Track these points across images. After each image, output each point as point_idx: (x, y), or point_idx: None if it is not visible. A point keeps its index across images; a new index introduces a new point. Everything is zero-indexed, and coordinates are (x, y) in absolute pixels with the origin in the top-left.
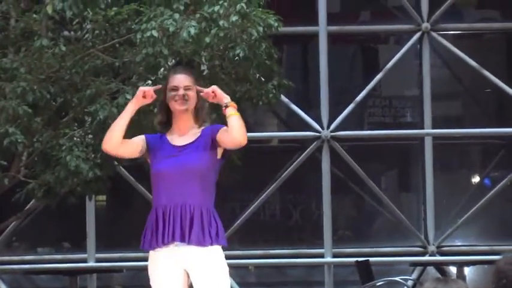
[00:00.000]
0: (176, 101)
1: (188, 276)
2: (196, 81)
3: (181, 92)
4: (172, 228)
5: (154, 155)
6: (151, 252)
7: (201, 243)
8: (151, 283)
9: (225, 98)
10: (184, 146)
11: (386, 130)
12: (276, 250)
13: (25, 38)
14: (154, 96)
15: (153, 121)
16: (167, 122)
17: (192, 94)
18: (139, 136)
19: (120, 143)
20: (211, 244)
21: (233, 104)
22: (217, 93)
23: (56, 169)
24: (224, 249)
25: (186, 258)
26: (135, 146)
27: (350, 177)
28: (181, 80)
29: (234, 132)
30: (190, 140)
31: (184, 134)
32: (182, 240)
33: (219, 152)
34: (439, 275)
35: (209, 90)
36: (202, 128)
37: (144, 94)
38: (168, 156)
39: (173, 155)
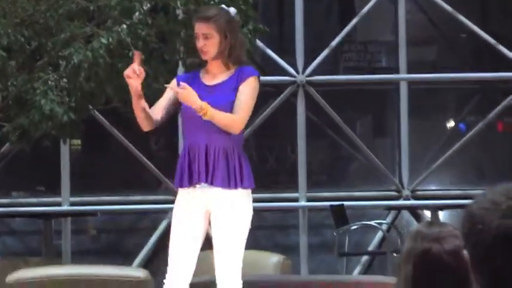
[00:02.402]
0: (198, 49)
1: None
2: (226, 24)
3: (200, 43)
4: (198, 169)
5: None
6: (179, 190)
7: (225, 185)
8: (173, 219)
9: (197, 107)
10: (214, 85)
11: (362, 75)
12: (252, 194)
13: None
14: (140, 72)
15: (155, 94)
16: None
17: (211, 42)
18: (169, 87)
19: (151, 119)
20: (236, 187)
21: (205, 111)
22: (188, 101)
23: (30, 112)
24: None
25: (210, 200)
26: (168, 103)
27: (325, 122)
28: (199, 27)
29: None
30: (222, 80)
31: (216, 75)
32: (207, 181)
33: None
34: (413, 219)
35: (180, 91)
36: (237, 67)
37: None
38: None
39: (202, 95)
